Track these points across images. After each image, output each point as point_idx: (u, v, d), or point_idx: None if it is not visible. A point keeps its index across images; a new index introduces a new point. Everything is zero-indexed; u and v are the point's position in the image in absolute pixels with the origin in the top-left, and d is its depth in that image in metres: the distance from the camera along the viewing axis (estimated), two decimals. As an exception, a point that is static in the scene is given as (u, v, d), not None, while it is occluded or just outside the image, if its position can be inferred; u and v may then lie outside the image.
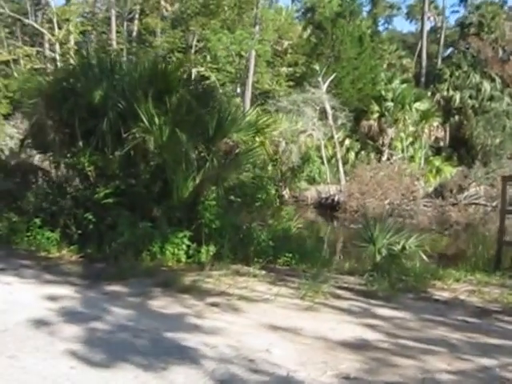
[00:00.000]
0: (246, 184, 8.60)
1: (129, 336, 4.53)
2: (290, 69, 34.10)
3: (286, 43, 35.72)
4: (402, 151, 27.94)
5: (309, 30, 36.61)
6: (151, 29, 36.72)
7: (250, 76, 28.16)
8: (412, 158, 27.84)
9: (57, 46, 33.20)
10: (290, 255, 7.87)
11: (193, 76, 34.20)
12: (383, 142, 29.49)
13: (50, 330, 4.60)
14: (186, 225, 7.81)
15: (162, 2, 35.57)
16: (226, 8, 29.94)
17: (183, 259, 7.40)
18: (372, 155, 28.42)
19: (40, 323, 4.77)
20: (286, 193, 25.05)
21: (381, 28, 52.51)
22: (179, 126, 8.14)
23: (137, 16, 38.15)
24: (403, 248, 8.00)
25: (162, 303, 5.56)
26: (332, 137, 25.24)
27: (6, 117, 24.42)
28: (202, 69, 33.38)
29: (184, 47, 34.55)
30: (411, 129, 28.67)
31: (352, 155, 28.41)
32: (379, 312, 5.58)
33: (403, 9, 54.65)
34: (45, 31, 34.80)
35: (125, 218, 7.65)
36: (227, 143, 9.54)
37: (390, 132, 28.68)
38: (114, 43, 34.02)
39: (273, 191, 9.02)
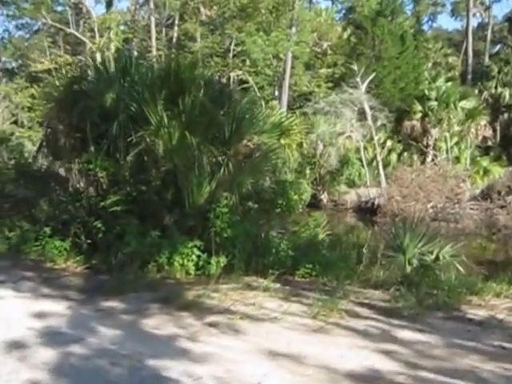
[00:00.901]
0: (264, 189, 7.98)
1: (106, 363, 4.03)
2: (330, 70, 33.30)
3: (325, 44, 34.98)
4: (447, 152, 26.60)
5: (349, 31, 35.74)
6: (190, 34, 36.76)
7: (287, 78, 27.56)
8: (457, 159, 26.48)
9: (97, 54, 33.60)
10: (311, 266, 7.22)
11: (231, 80, 34.33)
12: (427, 143, 28.20)
13: (22, 355, 4.15)
14: (198, 234, 7.29)
15: (201, 8, 35.50)
16: (262, 11, 29.54)
17: (192, 271, 6.88)
18: (415, 157, 27.24)
19: (16, 345, 4.33)
20: (324, 197, 24.32)
21: (425, 26, 50.85)
22: (191, 128, 7.67)
23: (176, 22, 38.28)
24: (437, 258, 7.24)
25: (156, 322, 5.04)
26: (372, 138, 24.27)
27: (42, 124, 24.73)
28: (240, 72, 33.12)
29: (223, 52, 34.37)
30: (456, 128, 27.28)
31: (394, 157, 27.28)
32: (400, 335, 4.87)
33: (448, 6, 52.69)
34: (86, 40, 35.38)
35: (133, 227, 7.21)
36: (247, 146, 9.00)
37: (434, 132, 27.39)
38: (154, 50, 34.17)
39: (295, 197, 8.36)
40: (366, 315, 5.41)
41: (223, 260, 6.84)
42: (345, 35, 35.66)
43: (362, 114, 24.32)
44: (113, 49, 34.04)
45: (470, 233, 17.04)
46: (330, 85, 31.24)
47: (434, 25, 54.33)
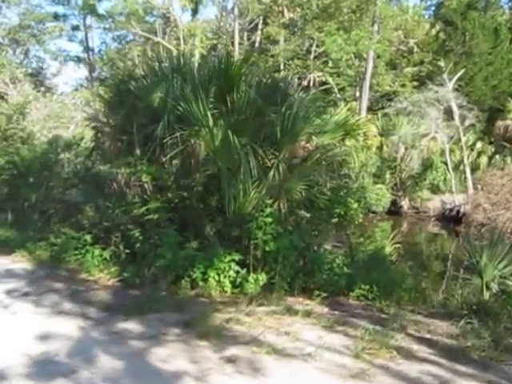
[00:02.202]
0: (317, 196, 7.04)
1: (86, 407, 3.35)
2: (415, 68, 31.40)
3: (411, 42, 33.08)
4: (548, 155, 24.00)
5: (437, 27, 33.58)
6: (272, 38, 36.29)
7: (368, 78, 26.12)
8: (560, 163, 23.79)
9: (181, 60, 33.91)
10: (367, 287, 6.20)
11: (311, 82, 33.41)
12: (523, 145, 25.68)
13: (-1, 389, 3.60)
14: (242, 246, 6.51)
15: (285, 12, 34.89)
16: (345, 10, 28.39)
17: (228, 289, 6.09)
18: (509, 160, 24.83)
19: (-3, 377, 3.79)
20: (405, 203, 22.73)
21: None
22: (239, 128, 6.95)
23: (259, 26, 37.95)
24: (522, 283, 5.95)
25: (168, 352, 4.32)
26: (459, 140, 22.27)
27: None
28: (320, 74, 32.15)
29: (304, 54, 33.58)
30: (559, 129, 24.58)
31: (484, 160, 25.03)
32: (465, 389, 3.79)
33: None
34: (171, 47, 35.90)
35: (170, 237, 6.55)
36: (305, 147, 8.13)
37: (532, 133, 24.85)
38: (237, 54, 34.03)
39: (354, 205, 7.37)
40: (423, 356, 4.35)
41: (262, 277, 6.01)
42: (433, 32, 33.53)
43: (448, 114, 22.39)
44: (197, 55, 34.32)
45: None
46: (416, 84, 29.41)
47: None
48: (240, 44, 35.56)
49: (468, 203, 18.73)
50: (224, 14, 40.16)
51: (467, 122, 22.35)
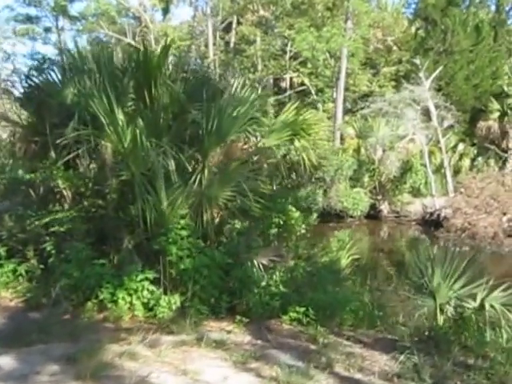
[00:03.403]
0: (250, 205, 6.17)
1: None
2: (393, 68, 30.66)
3: (389, 39, 32.34)
4: (532, 156, 23.34)
5: (417, 24, 32.91)
6: (246, 37, 35.51)
7: (342, 77, 25.25)
8: (544, 164, 23.14)
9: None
10: (302, 310, 5.36)
11: (288, 83, 32.58)
12: (507, 146, 25.01)
13: None
14: (159, 263, 5.65)
15: (261, 11, 34.14)
16: (319, 7, 27.59)
17: (141, 312, 5.24)
18: (492, 162, 24.14)
19: None
20: (384, 207, 21.90)
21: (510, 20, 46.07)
22: (158, 127, 6.17)
23: (234, 26, 37.17)
24: (481, 306, 5.12)
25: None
26: (439, 141, 21.49)
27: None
28: (295, 75, 31.43)
29: (280, 54, 32.83)
30: (543, 129, 23.95)
31: (466, 162, 24.30)
32: None
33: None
34: (142, 48, 35.06)
35: (78, 252, 5.69)
36: (243, 149, 7.31)
37: (515, 134, 24.21)
38: (211, 54, 33.27)
39: (296, 214, 6.55)
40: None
41: (175, 300, 5.16)
42: (412, 29, 32.81)
43: (427, 115, 21.59)
44: (170, 57, 33.40)
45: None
46: (394, 83, 28.69)
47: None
48: (214, 44, 34.78)
49: (448, 207, 17.99)
50: (197, 13, 39.35)
51: (446, 123, 21.61)
